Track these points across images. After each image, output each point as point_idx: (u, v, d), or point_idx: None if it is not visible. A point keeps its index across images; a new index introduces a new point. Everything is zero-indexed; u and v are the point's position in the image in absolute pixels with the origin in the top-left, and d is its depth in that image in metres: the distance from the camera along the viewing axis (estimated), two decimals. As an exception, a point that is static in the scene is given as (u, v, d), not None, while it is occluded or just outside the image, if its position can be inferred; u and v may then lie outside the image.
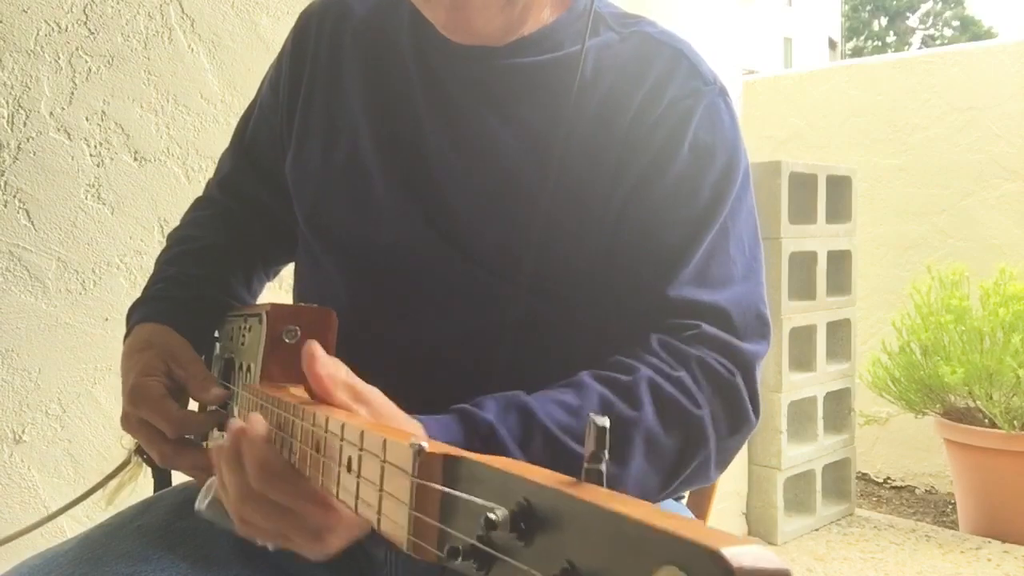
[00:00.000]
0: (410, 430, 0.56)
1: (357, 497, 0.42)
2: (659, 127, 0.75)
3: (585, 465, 0.29)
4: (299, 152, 0.86)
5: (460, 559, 0.31)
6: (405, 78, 0.82)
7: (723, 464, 0.72)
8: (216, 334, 0.90)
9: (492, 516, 0.29)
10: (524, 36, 0.79)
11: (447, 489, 0.33)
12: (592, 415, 0.30)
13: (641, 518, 0.24)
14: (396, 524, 0.37)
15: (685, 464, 0.68)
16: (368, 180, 0.81)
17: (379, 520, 0.39)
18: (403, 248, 0.80)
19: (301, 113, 0.86)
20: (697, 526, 0.23)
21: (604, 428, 0.29)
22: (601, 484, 0.29)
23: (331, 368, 0.53)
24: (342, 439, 0.45)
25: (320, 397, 0.53)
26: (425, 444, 0.35)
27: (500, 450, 0.60)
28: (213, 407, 0.78)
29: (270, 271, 1.01)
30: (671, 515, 0.24)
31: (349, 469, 0.43)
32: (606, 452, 0.29)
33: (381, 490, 0.39)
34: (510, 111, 0.78)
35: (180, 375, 0.76)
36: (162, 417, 0.73)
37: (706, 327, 0.71)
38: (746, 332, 0.73)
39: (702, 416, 0.68)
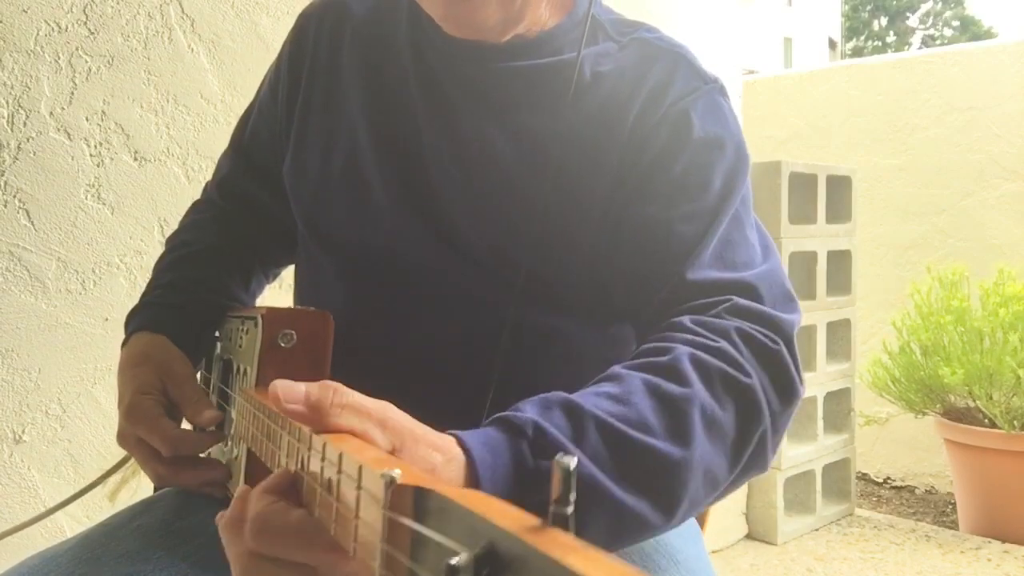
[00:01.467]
0: (442, 445, 0.51)
1: (334, 521, 0.40)
2: (662, 126, 0.75)
3: (551, 509, 0.28)
4: (297, 154, 0.86)
5: None
6: (403, 79, 0.82)
7: (778, 440, 0.67)
8: (217, 334, 0.90)
9: (453, 562, 0.27)
10: (523, 39, 0.79)
11: (416, 526, 0.32)
12: (558, 456, 0.28)
13: None
14: (368, 555, 0.35)
15: (747, 441, 0.63)
16: (366, 183, 0.81)
17: (354, 549, 0.38)
18: (401, 251, 0.79)
19: (300, 115, 0.86)
20: None
21: (569, 470, 0.28)
22: (567, 529, 0.27)
23: (316, 393, 0.47)
24: (323, 458, 0.43)
25: (321, 430, 0.47)
26: (396, 474, 0.34)
27: (553, 449, 0.54)
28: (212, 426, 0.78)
29: (269, 273, 1.01)
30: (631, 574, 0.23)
31: (329, 491, 0.42)
32: (573, 495, 0.28)
33: (357, 517, 0.37)
34: (507, 114, 0.78)
35: (175, 394, 0.76)
36: (158, 436, 0.72)
37: (739, 299, 0.68)
38: (776, 304, 0.70)
39: (753, 386, 0.64)
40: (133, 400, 0.74)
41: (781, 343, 0.67)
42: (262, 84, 0.95)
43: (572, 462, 0.28)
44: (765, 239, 0.77)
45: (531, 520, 0.28)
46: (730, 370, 0.63)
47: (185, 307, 0.86)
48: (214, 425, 0.75)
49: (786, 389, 0.66)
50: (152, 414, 0.73)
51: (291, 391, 0.47)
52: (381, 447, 0.47)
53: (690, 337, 0.65)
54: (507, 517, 0.28)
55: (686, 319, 0.67)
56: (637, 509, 0.56)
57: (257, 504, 0.46)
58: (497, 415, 0.57)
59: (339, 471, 0.40)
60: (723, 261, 0.71)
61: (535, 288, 0.76)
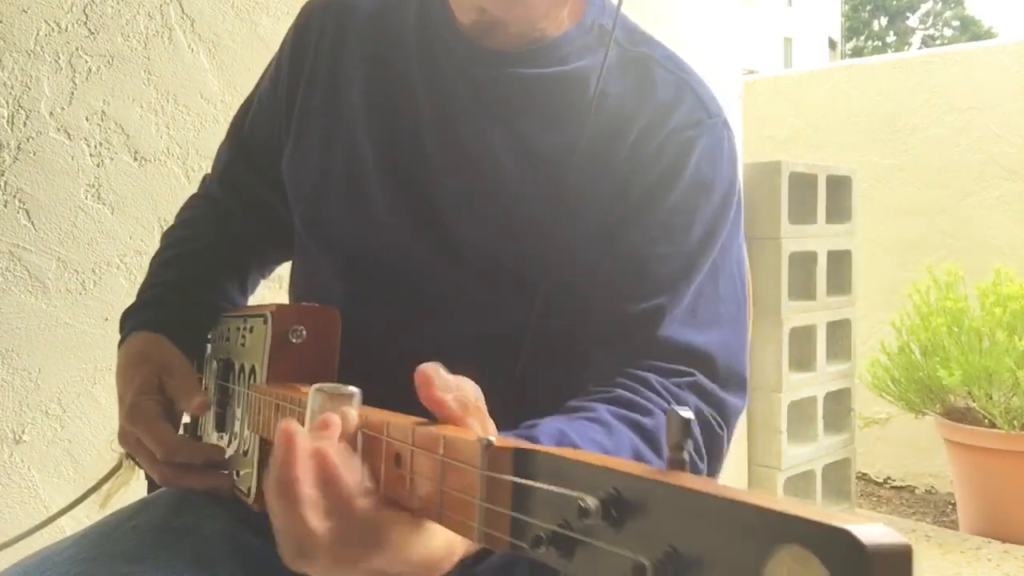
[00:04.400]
0: None
1: (410, 491, 0.42)
2: (662, 153, 0.75)
3: (668, 455, 0.29)
4: (296, 149, 0.85)
5: (543, 547, 0.31)
6: (408, 78, 0.81)
7: None
8: (208, 335, 0.90)
9: (583, 504, 0.29)
10: (533, 45, 0.78)
11: (519, 480, 0.34)
12: (675, 406, 0.30)
13: (750, 501, 0.24)
14: (463, 517, 0.37)
15: None
16: (365, 182, 0.81)
17: (441, 515, 0.39)
18: (397, 251, 0.79)
19: (300, 109, 0.85)
20: (809, 508, 0.23)
21: (688, 420, 0.30)
22: (685, 470, 0.29)
23: (465, 391, 0.46)
24: (387, 437, 0.45)
25: (452, 424, 0.45)
26: (493, 439, 0.36)
27: None
28: (215, 436, 0.78)
29: (265, 270, 1.01)
30: (780, 498, 0.24)
31: (398, 464, 0.43)
32: (689, 442, 0.30)
33: (441, 486, 0.39)
34: (511, 121, 0.78)
35: (171, 389, 0.77)
36: (155, 440, 0.73)
37: (700, 378, 0.71)
38: (728, 383, 0.73)
39: (702, 470, 0.69)
40: (134, 401, 0.75)
41: (725, 430, 0.71)
42: (263, 76, 0.94)
43: (687, 413, 0.30)
44: (741, 294, 0.78)
45: (651, 468, 0.30)
46: (694, 455, 0.67)
47: (183, 307, 0.86)
48: (205, 412, 0.79)
49: (715, 472, 0.72)
50: (151, 415, 0.74)
51: (442, 378, 0.45)
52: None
53: (664, 405, 0.67)
54: (627, 466, 0.30)
55: (653, 378, 0.69)
56: (700, 470, 0.62)
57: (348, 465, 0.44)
58: (522, 434, 0.58)
59: (413, 446, 0.42)
60: (692, 316, 0.73)
61: (527, 295, 0.76)
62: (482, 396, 0.47)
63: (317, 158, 0.84)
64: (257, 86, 0.95)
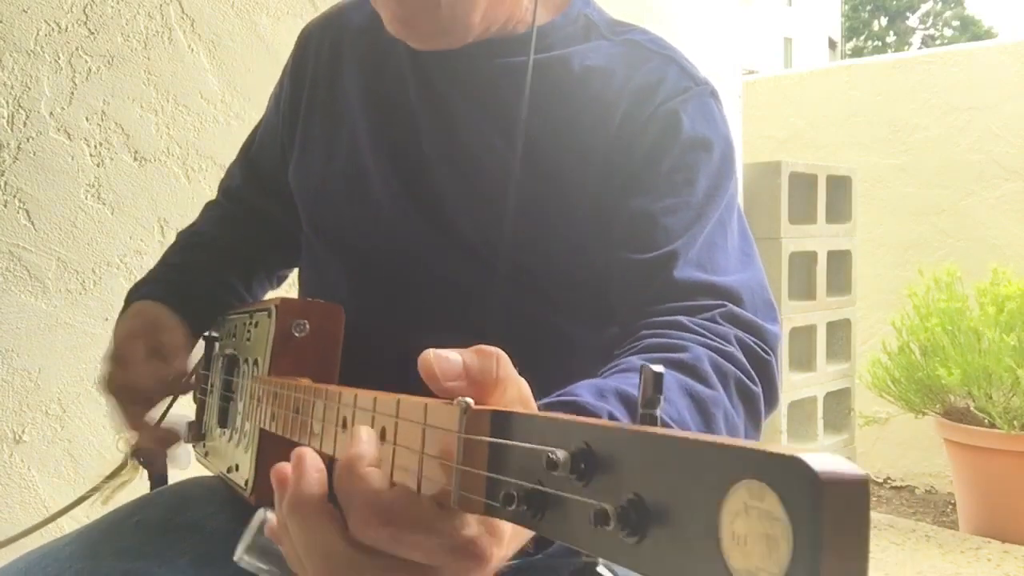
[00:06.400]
0: None
1: (393, 465, 0.41)
2: (651, 124, 0.75)
3: (640, 411, 0.29)
4: (302, 158, 0.89)
5: (515, 505, 0.31)
6: (401, 82, 0.83)
7: None
8: (216, 333, 0.90)
9: (552, 456, 0.29)
10: (511, 35, 0.80)
11: (495, 440, 0.34)
12: (645, 363, 0.30)
13: (707, 440, 0.24)
14: (441, 483, 0.37)
15: None
16: (367, 184, 0.83)
17: (420, 483, 0.38)
18: (403, 249, 0.80)
19: (304, 123, 0.89)
20: (770, 444, 0.23)
21: (660, 374, 0.30)
22: (656, 426, 0.29)
23: (477, 365, 0.39)
24: (374, 412, 0.44)
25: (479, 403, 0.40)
26: (470, 401, 0.36)
27: None
28: (218, 431, 0.80)
29: (273, 276, 1.05)
30: (736, 439, 0.24)
31: (383, 439, 0.43)
32: (661, 398, 0.29)
33: (423, 453, 0.39)
34: (501, 110, 0.79)
35: (159, 341, 0.82)
36: (138, 373, 0.79)
37: (731, 307, 0.68)
38: (759, 311, 0.71)
39: (759, 394, 0.65)
40: (119, 343, 0.82)
41: (771, 354, 0.69)
42: (271, 99, 0.99)
43: (659, 368, 0.30)
44: (749, 244, 0.78)
45: (621, 423, 0.29)
46: (743, 377, 0.64)
47: (184, 284, 0.91)
48: (187, 382, 0.85)
49: (773, 400, 0.68)
50: (137, 356, 0.81)
51: (447, 364, 0.39)
52: None
53: (701, 339, 0.64)
54: (598, 423, 0.30)
55: (683, 319, 0.66)
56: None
57: (371, 484, 0.39)
58: (561, 399, 0.54)
59: (396, 417, 0.41)
60: (708, 263, 0.71)
61: (532, 283, 0.76)
62: (503, 357, 0.40)
63: (320, 163, 0.87)
64: (267, 109, 1.00)
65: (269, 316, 0.73)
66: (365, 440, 0.41)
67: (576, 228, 0.76)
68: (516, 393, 0.40)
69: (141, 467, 0.90)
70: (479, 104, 0.79)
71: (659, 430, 0.27)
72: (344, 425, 0.48)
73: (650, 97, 0.76)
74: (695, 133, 0.75)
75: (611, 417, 0.53)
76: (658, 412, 0.29)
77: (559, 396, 0.56)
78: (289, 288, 1.08)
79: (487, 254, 0.78)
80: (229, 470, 0.76)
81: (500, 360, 0.39)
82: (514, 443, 0.32)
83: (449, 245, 0.79)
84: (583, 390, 0.56)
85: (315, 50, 0.90)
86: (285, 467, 0.43)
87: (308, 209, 0.88)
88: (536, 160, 0.76)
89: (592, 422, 0.29)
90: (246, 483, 0.71)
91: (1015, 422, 2.49)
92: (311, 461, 0.42)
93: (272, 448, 0.66)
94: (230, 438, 0.79)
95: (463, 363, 0.39)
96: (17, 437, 1.35)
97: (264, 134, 0.98)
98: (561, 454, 0.29)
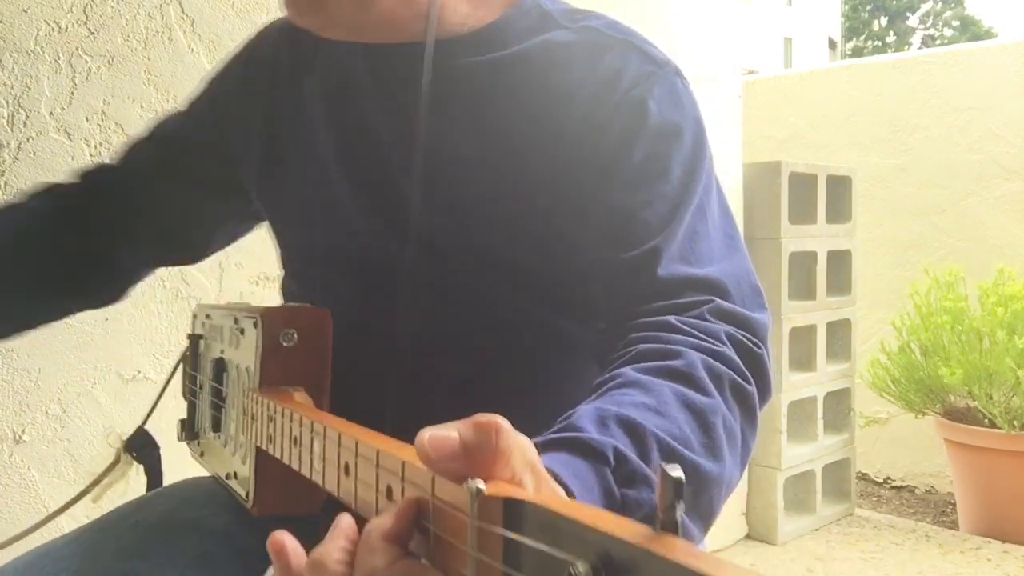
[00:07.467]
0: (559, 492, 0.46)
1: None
2: (618, 113, 0.73)
3: (660, 516, 0.28)
4: (269, 174, 0.87)
5: None
6: (360, 87, 0.81)
7: (754, 445, 0.67)
8: (200, 332, 0.90)
9: (573, 572, 0.28)
10: (457, 35, 0.77)
11: (511, 534, 0.32)
12: (663, 465, 0.29)
13: (726, 569, 0.24)
14: (454, 563, 0.36)
15: (749, 447, 0.63)
16: (336, 195, 0.81)
17: (432, 557, 0.37)
18: (379, 256, 0.79)
19: (268, 135, 0.86)
20: None
21: (679, 479, 0.28)
22: (677, 535, 0.28)
23: (473, 438, 0.37)
24: (378, 466, 0.42)
25: (479, 477, 0.38)
26: (482, 486, 0.34)
27: (633, 477, 0.52)
28: (211, 435, 0.78)
29: (140, 267, 1.03)
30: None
31: (390, 498, 0.41)
32: (681, 503, 0.28)
33: (432, 528, 0.37)
34: (457, 111, 0.77)
35: None
36: None
37: (718, 301, 0.67)
38: (746, 300, 0.70)
39: (753, 392, 0.64)
40: None
41: (762, 347, 0.67)
42: (211, 83, 0.94)
43: (677, 471, 0.29)
44: (731, 224, 0.76)
45: (642, 528, 0.28)
46: (737, 378, 0.63)
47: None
48: None
49: (767, 393, 0.67)
50: None
51: (442, 443, 0.37)
52: (528, 491, 0.38)
53: (691, 340, 0.64)
54: (617, 526, 0.28)
55: (672, 319, 0.66)
56: (692, 532, 0.56)
57: (391, 558, 0.38)
58: (564, 435, 0.53)
59: (403, 480, 0.39)
60: (691, 255, 0.70)
61: (517, 281, 0.75)
62: (502, 426, 0.37)
63: (291, 178, 0.85)
64: (198, 99, 0.95)
65: (255, 326, 0.72)
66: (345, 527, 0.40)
67: (554, 225, 0.74)
68: (521, 459, 0.38)
69: (135, 462, 0.90)
70: (439, 106, 0.76)
71: (684, 554, 0.26)
72: (347, 471, 0.46)
73: (614, 86, 0.74)
74: (663, 119, 0.73)
75: (616, 452, 0.52)
76: (678, 517, 0.29)
77: (562, 430, 0.54)
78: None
79: (464, 255, 0.76)
80: (228, 476, 0.76)
81: (500, 431, 0.37)
82: (531, 544, 0.31)
83: (425, 249, 0.76)
84: (585, 421, 0.54)
85: (272, 58, 0.87)
86: (281, 538, 0.42)
87: (279, 223, 0.88)
88: (502, 157, 0.75)
89: (611, 529, 0.28)
90: (247, 495, 0.70)
91: (1015, 422, 2.49)
92: (291, 546, 0.41)
93: (270, 464, 0.65)
94: (224, 444, 0.78)
95: (459, 440, 0.37)
96: (17, 437, 1.35)
97: (186, 123, 0.94)
98: (583, 567, 0.28)
